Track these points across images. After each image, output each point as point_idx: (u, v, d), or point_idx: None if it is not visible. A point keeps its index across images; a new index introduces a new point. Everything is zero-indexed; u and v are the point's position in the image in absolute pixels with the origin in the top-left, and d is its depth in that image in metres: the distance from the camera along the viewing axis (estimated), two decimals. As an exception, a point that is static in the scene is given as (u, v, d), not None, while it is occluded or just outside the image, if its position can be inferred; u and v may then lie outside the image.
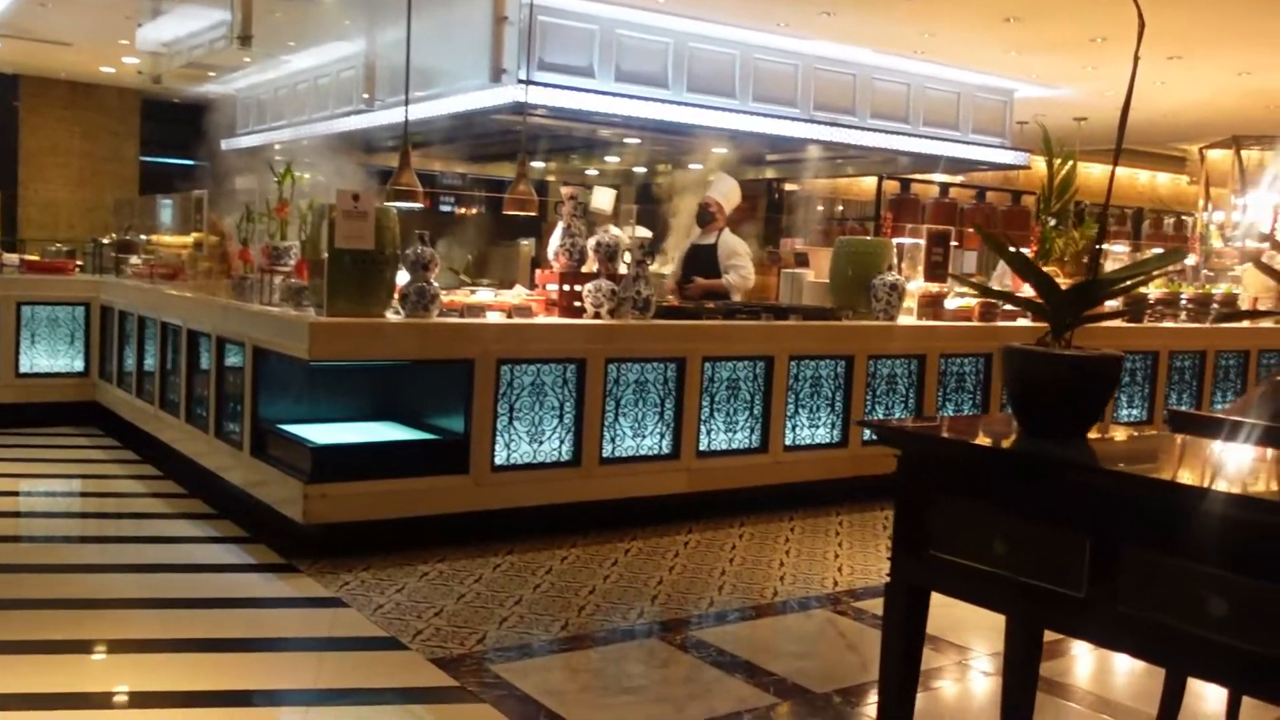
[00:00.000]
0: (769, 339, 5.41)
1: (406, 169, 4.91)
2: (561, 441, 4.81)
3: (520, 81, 6.62)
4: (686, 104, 7.44)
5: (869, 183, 15.20)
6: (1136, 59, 2.38)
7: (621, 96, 7.13)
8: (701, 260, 6.75)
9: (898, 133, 8.48)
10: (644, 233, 10.09)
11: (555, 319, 5.00)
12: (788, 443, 5.53)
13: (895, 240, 6.42)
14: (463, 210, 13.78)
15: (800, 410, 5.58)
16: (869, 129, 8.33)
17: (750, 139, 8.14)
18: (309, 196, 5.01)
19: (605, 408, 4.91)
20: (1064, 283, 6.65)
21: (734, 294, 6.53)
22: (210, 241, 5.95)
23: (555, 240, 5.19)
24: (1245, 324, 7.52)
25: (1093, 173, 10.70)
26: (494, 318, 4.78)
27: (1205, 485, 2.01)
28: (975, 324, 6.33)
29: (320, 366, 4.51)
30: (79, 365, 7.24)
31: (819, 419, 5.66)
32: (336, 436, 4.54)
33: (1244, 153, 8.92)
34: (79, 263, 7.78)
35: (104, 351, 7.12)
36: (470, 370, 4.53)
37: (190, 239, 6.59)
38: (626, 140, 9.57)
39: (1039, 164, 10.76)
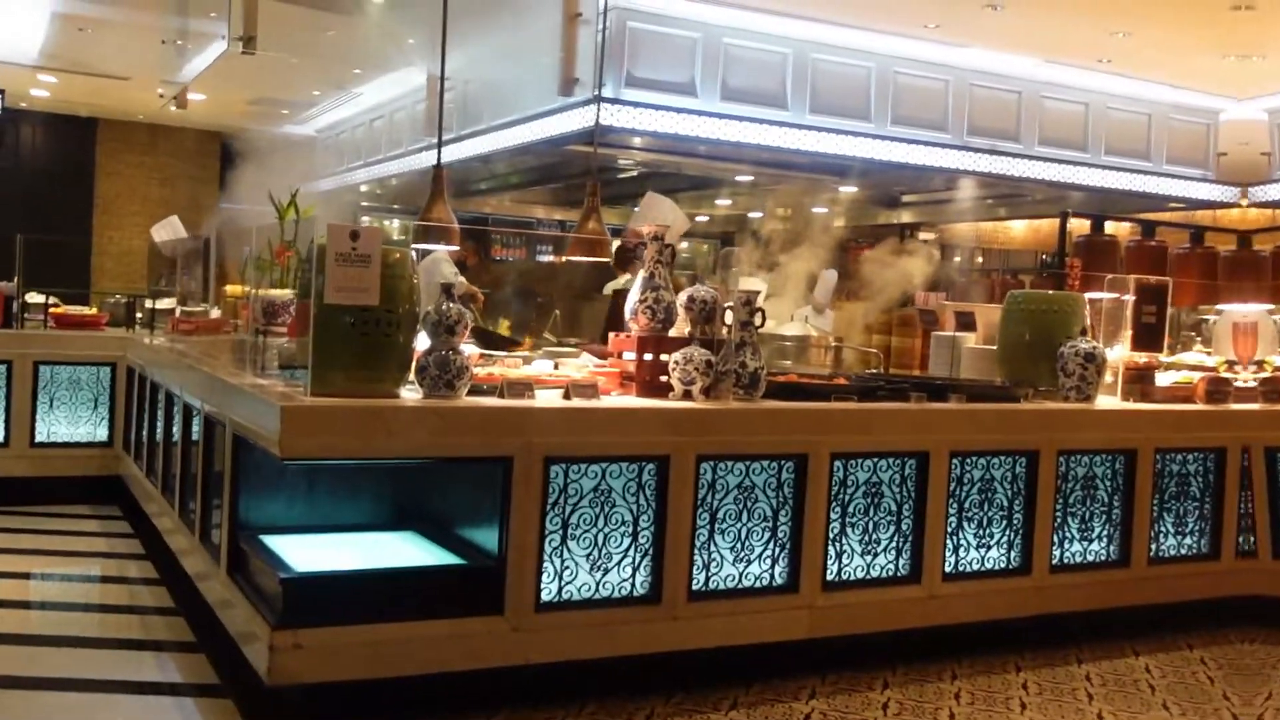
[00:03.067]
0: (923, 427, 4.08)
1: (438, 201, 3.86)
2: (635, 568, 3.59)
3: (594, 99, 5.57)
4: (809, 128, 6.24)
5: (1017, 229, 13.61)
6: None
7: (729, 119, 5.99)
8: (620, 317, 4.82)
9: (1073, 162, 7.05)
10: (754, 284, 8.90)
11: (629, 400, 3.81)
12: (948, 569, 4.15)
13: (1086, 295, 5.01)
14: (559, 260, 12.83)
15: (965, 525, 4.20)
16: (1037, 158, 6.94)
17: (886, 171, 6.87)
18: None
19: (697, 522, 3.67)
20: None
21: None
22: (233, 293, 5.05)
23: (634, 294, 4.02)
24: None
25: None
26: (546, 398, 3.63)
27: None
28: (1200, 407, 4.83)
29: (299, 465, 3.43)
30: (102, 434, 6.46)
31: (990, 537, 4.26)
32: (327, 557, 3.44)
33: None
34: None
35: (129, 419, 6.30)
36: (508, 471, 3.37)
37: (235, 289, 5.74)
38: (738, 178, 8.44)
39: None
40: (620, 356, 4.10)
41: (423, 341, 3.51)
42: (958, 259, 12.99)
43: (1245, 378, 5.34)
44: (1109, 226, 5.66)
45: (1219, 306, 6.07)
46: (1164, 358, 5.31)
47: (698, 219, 13.55)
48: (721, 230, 12.73)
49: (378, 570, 3.37)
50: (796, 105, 6.26)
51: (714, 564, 3.72)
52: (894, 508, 4.05)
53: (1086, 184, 7.13)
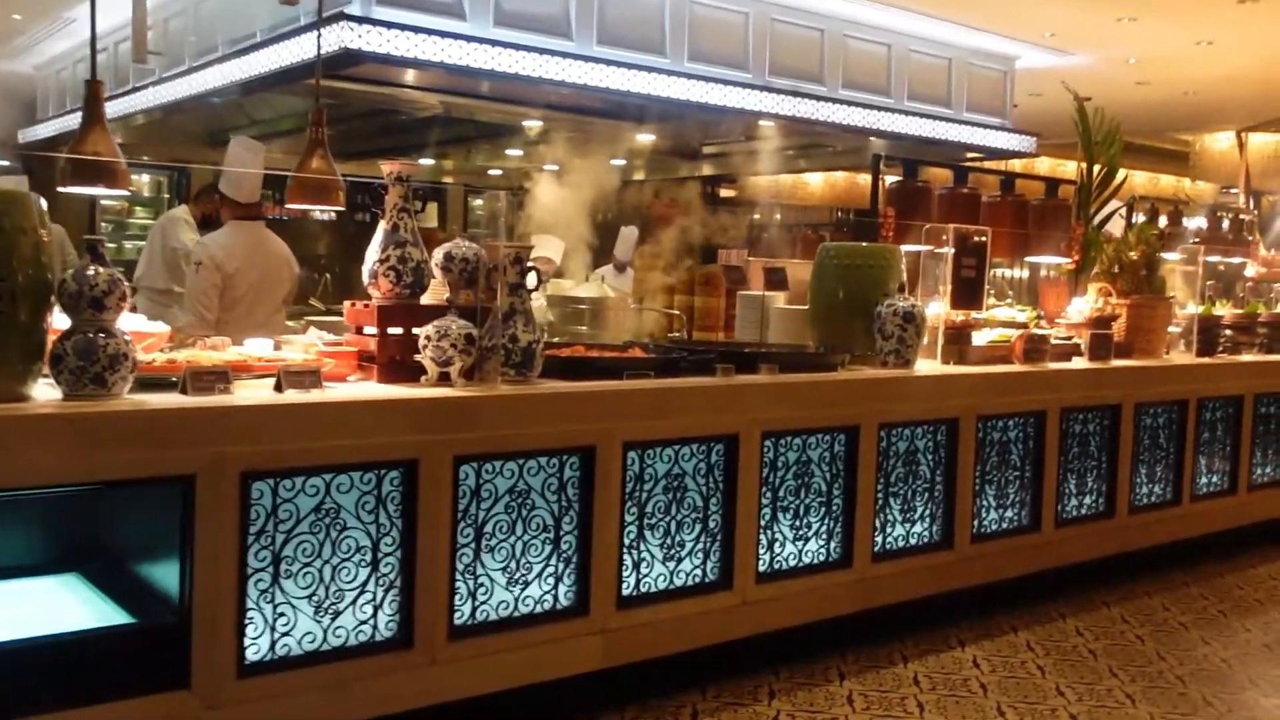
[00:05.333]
0: (731, 406, 3.53)
1: (95, 130, 2.90)
2: (377, 606, 2.83)
3: (330, 17, 4.67)
4: (598, 60, 5.56)
5: (815, 185, 13.55)
6: None
7: (505, 47, 5.22)
8: None
9: (876, 107, 6.73)
10: (551, 242, 8.23)
11: (367, 388, 3.03)
12: (763, 569, 3.64)
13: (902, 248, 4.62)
14: (332, 216, 11.57)
15: (780, 516, 3.69)
16: (840, 101, 6.57)
17: (685, 114, 6.29)
18: None
19: (458, 540, 2.95)
20: (1119, 303, 4.83)
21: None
22: None
23: (373, 252, 3.22)
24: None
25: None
26: (252, 391, 2.79)
27: None
28: (1020, 369, 4.55)
29: None
30: None
31: (808, 527, 3.78)
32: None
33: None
34: None
35: None
36: (190, 494, 2.52)
37: None
38: (526, 123, 7.69)
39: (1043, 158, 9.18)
40: (360, 331, 3.30)
41: (63, 320, 2.59)
42: (757, 216, 12.76)
43: (1056, 333, 5.16)
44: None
45: (1028, 259, 5.91)
46: (977, 314, 5.02)
47: (490, 172, 12.67)
48: (514, 185, 11.91)
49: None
50: (583, 35, 5.56)
51: (481, 590, 3.01)
52: (699, 503, 3.48)
53: (889, 130, 6.85)
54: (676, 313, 6.47)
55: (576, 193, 6.48)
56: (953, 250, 4.35)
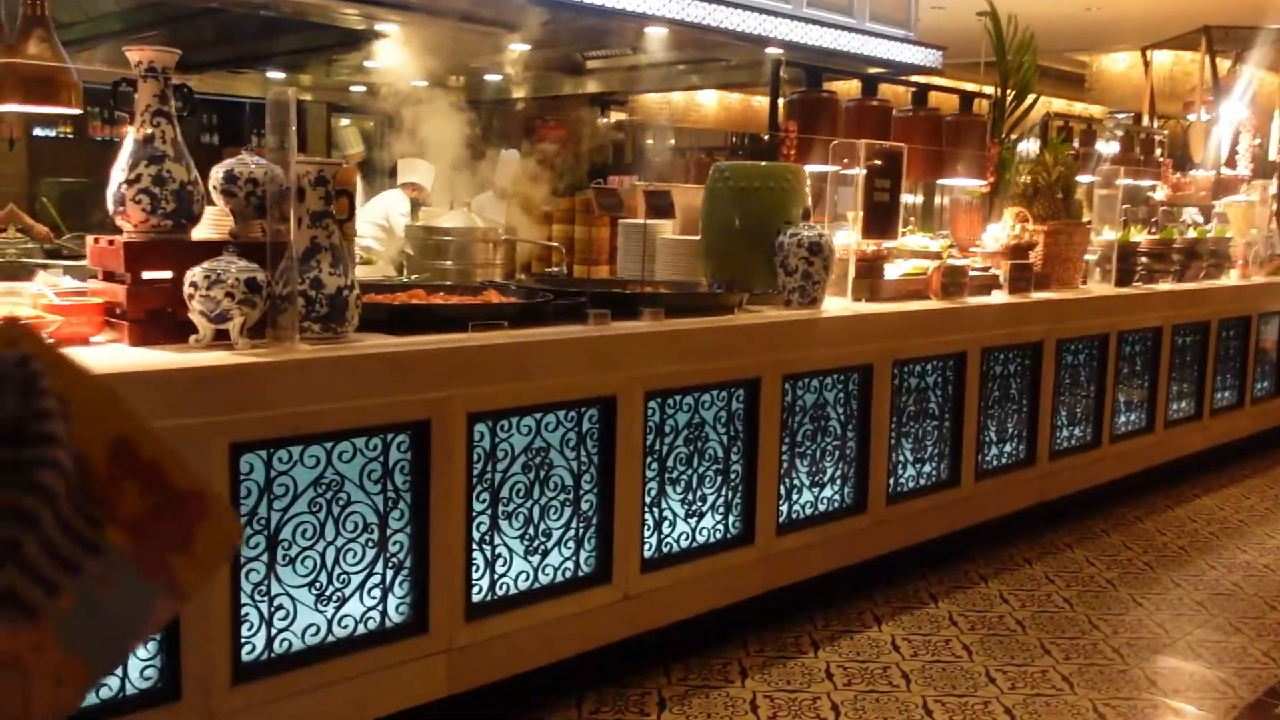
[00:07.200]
0: (607, 361, 2.85)
1: None
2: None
3: None
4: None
5: (709, 107, 12.85)
6: None
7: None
8: None
9: (773, 13, 6.03)
10: (420, 166, 7.35)
11: (109, 354, 2.24)
12: (649, 554, 3.01)
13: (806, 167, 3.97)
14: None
15: (669, 490, 3.06)
16: (734, 4, 5.84)
17: (560, 17, 5.48)
18: None
19: (242, 554, 2.21)
20: (1036, 229, 4.26)
21: None
22: None
23: (120, 171, 2.39)
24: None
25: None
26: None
27: None
28: (938, 305, 3.99)
29: None
30: None
31: (701, 501, 3.16)
32: None
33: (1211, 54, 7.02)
34: None
35: None
36: None
37: None
38: (379, 26, 6.73)
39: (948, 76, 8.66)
40: (110, 278, 2.48)
41: None
42: (650, 140, 12.02)
43: (973, 264, 4.63)
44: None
45: (941, 181, 5.36)
46: (889, 243, 4.43)
47: (353, 89, 11.54)
48: (377, 105, 10.83)
49: None
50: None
51: (280, 615, 2.29)
52: (569, 480, 2.81)
53: (787, 39, 6.18)
54: (556, 245, 5.73)
55: (447, 111, 5.65)
56: (864, 170, 3.72)
